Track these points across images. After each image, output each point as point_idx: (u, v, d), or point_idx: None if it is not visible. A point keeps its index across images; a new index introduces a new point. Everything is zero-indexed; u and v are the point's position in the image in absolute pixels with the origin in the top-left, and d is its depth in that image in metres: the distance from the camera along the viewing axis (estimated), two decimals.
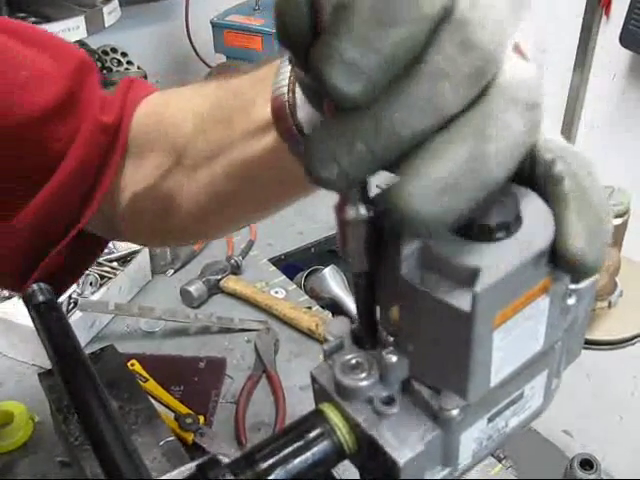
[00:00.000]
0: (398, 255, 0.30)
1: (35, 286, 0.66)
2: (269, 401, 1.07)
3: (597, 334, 1.61)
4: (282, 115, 0.45)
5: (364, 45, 0.26)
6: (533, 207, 0.31)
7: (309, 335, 1.18)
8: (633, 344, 1.64)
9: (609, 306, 1.65)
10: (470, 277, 0.28)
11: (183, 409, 1.01)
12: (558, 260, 0.30)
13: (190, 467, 0.36)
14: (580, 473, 0.91)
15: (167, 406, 1.02)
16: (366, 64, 0.26)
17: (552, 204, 0.31)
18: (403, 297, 0.31)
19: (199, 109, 0.55)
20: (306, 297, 1.29)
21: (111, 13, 1.52)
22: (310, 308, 1.23)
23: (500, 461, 1.01)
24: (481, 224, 0.29)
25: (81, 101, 0.56)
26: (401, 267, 0.30)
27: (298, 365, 1.14)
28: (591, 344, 1.58)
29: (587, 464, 0.93)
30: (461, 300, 0.29)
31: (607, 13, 1.77)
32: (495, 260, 0.29)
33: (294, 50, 0.29)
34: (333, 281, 1.33)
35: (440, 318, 0.30)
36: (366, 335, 0.36)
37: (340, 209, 0.31)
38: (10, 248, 0.61)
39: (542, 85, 0.30)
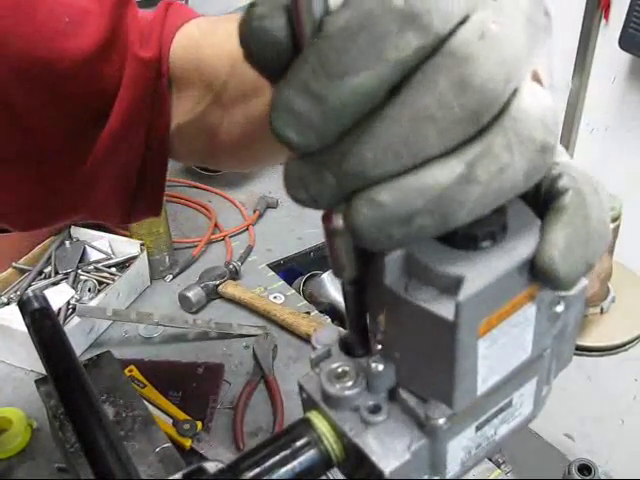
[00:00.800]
0: (382, 263, 0.30)
1: (30, 293, 0.66)
2: (267, 406, 1.07)
3: (589, 340, 1.61)
4: None
5: (310, 96, 0.25)
6: (520, 215, 0.31)
7: (308, 340, 1.18)
8: (626, 350, 1.64)
9: (601, 312, 1.64)
10: (454, 286, 0.28)
11: (181, 415, 1.01)
12: (533, 268, 0.29)
13: (178, 477, 0.36)
14: (577, 477, 0.91)
15: (165, 412, 1.02)
16: (312, 116, 0.25)
17: (549, 215, 0.30)
18: (388, 305, 0.31)
19: (235, 49, 0.55)
20: (305, 302, 1.29)
21: None
22: (309, 313, 1.23)
23: (499, 466, 1.01)
24: (466, 233, 0.29)
25: (122, 38, 0.56)
26: (385, 275, 0.30)
27: (296, 370, 1.13)
28: (583, 350, 1.57)
29: (585, 469, 0.93)
30: (445, 309, 0.28)
31: (606, 16, 1.77)
32: (479, 269, 0.29)
33: (265, 77, 0.28)
34: (332, 286, 1.33)
35: (424, 327, 0.30)
36: (357, 343, 0.36)
37: (327, 218, 0.30)
38: (98, 189, 0.62)
39: (559, 121, 0.28)
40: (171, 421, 1.00)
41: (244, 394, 1.08)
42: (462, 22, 0.25)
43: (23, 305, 0.65)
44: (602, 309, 1.63)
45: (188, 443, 0.97)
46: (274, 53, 0.26)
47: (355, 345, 0.36)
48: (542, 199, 0.31)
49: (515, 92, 0.26)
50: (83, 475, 0.77)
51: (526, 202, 0.32)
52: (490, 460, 1.00)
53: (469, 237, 0.29)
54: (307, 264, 1.44)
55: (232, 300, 1.27)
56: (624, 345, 1.64)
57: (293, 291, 1.31)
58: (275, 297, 1.28)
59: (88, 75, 0.55)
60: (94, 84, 0.56)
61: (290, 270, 1.45)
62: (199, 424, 0.99)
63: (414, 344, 0.31)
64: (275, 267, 1.39)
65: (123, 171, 0.60)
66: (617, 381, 1.92)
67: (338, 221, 0.30)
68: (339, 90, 0.25)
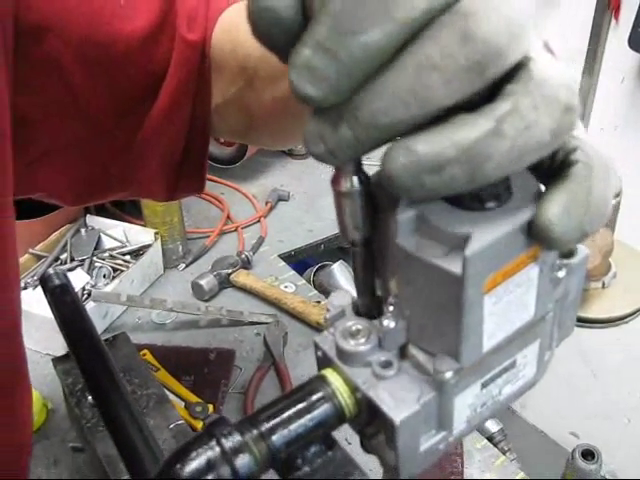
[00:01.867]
0: (394, 224, 0.32)
1: (51, 270, 0.69)
2: (277, 392, 1.09)
3: (591, 313, 1.65)
4: None
5: (324, 53, 0.27)
6: (523, 180, 0.33)
7: (318, 328, 1.20)
8: (626, 322, 1.67)
9: (603, 287, 1.70)
10: (461, 243, 0.30)
11: (193, 398, 1.03)
12: (531, 226, 0.31)
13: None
14: (582, 463, 0.93)
15: (178, 395, 1.04)
16: (327, 71, 0.27)
17: (555, 180, 0.32)
18: (399, 264, 0.33)
19: None
20: (315, 292, 1.31)
21: None
22: (319, 302, 1.25)
23: (504, 453, 1.02)
24: (473, 194, 0.31)
25: (171, 21, 0.58)
26: (397, 235, 0.32)
27: (306, 357, 1.15)
28: (585, 322, 1.62)
29: (589, 454, 0.95)
30: (452, 264, 0.30)
31: (616, 17, 1.79)
32: (485, 227, 0.31)
33: (273, 52, 0.30)
34: (342, 276, 1.35)
35: (434, 282, 0.32)
36: (366, 306, 0.38)
37: (335, 181, 0.33)
38: (143, 165, 0.64)
39: (576, 87, 0.30)
40: (183, 404, 1.02)
41: (254, 379, 1.10)
42: None
43: (44, 282, 0.67)
44: (604, 284, 1.69)
45: (199, 425, 0.99)
46: (281, 31, 0.29)
47: (364, 308, 0.38)
48: (555, 168, 0.33)
49: (529, 58, 0.28)
50: (99, 450, 0.80)
51: (541, 171, 0.34)
52: (496, 447, 1.02)
53: (475, 198, 0.31)
54: (317, 256, 1.46)
55: (244, 289, 1.29)
56: (624, 317, 1.68)
57: (304, 281, 1.33)
58: (286, 286, 1.30)
59: (140, 57, 0.57)
60: (145, 66, 0.58)
61: (301, 262, 1.47)
62: (210, 407, 1.02)
63: (424, 300, 0.33)
64: (286, 258, 1.41)
65: (169, 149, 0.63)
66: (623, 380, 1.92)
67: (346, 183, 0.32)
68: (350, 46, 0.27)
